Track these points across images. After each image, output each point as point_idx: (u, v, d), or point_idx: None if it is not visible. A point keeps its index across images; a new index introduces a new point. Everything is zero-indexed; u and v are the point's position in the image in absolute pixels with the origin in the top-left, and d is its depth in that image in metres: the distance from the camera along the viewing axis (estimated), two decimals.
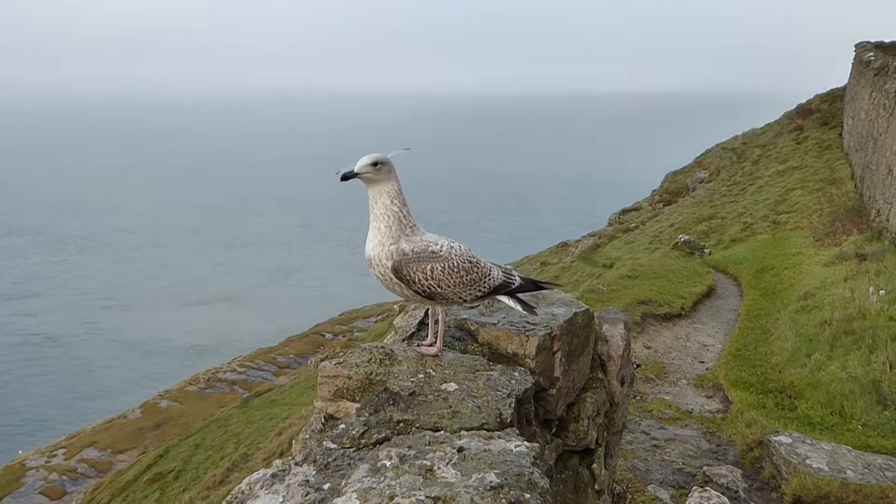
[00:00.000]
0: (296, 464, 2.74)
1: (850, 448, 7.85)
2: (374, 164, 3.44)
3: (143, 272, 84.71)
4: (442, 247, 3.53)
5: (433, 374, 3.50)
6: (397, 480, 2.51)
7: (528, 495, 2.47)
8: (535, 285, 3.85)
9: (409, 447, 2.77)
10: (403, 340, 4.04)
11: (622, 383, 5.20)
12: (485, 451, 2.73)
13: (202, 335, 62.62)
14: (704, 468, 7.89)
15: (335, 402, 3.41)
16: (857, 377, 9.75)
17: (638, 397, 10.33)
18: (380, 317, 42.60)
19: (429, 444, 2.80)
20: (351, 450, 2.84)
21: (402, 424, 3.03)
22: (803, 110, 40.44)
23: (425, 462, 2.64)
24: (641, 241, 29.69)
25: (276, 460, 2.82)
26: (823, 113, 37.93)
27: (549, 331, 4.04)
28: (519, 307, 3.76)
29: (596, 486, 4.66)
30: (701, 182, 38.41)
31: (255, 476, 2.71)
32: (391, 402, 3.20)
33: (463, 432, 2.94)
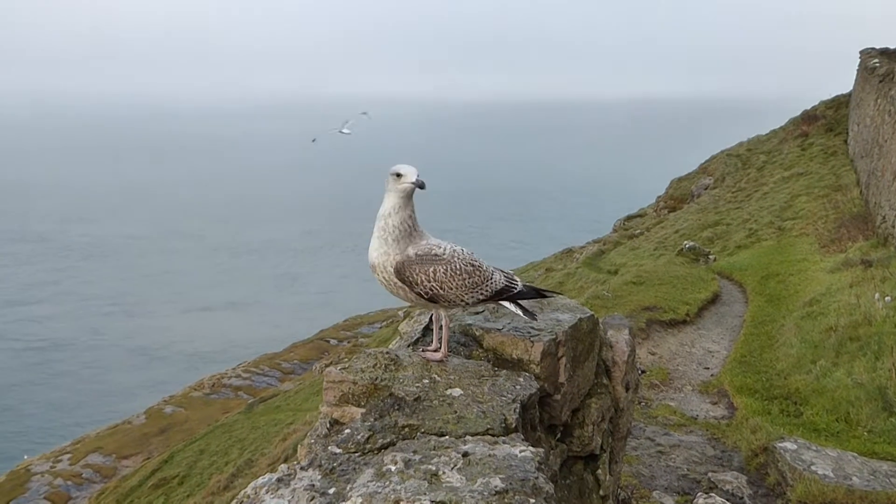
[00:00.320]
0: (301, 468, 2.75)
1: (855, 454, 7.83)
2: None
3: (149, 278, 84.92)
4: (445, 250, 3.56)
5: (438, 379, 3.51)
6: (402, 485, 2.51)
7: (532, 500, 2.47)
8: (538, 293, 3.88)
9: (415, 452, 2.78)
10: (409, 346, 4.05)
11: (627, 389, 5.20)
12: (490, 456, 2.74)
13: (207, 341, 62.73)
14: (709, 474, 7.87)
15: (340, 407, 3.42)
16: (863, 383, 9.72)
17: (643, 403, 10.31)
18: (384, 323, 42.63)
19: (434, 449, 2.80)
20: (356, 455, 2.85)
21: (407, 429, 3.04)
22: (808, 116, 40.39)
23: (430, 467, 2.65)
24: (646, 248, 29.65)
25: (282, 465, 2.83)
26: (829, 119, 37.88)
27: (554, 336, 4.04)
28: (520, 312, 3.79)
29: (601, 492, 4.66)
30: (706, 188, 38.36)
31: (260, 480, 2.72)
32: (396, 408, 3.21)
33: (468, 437, 2.95)
